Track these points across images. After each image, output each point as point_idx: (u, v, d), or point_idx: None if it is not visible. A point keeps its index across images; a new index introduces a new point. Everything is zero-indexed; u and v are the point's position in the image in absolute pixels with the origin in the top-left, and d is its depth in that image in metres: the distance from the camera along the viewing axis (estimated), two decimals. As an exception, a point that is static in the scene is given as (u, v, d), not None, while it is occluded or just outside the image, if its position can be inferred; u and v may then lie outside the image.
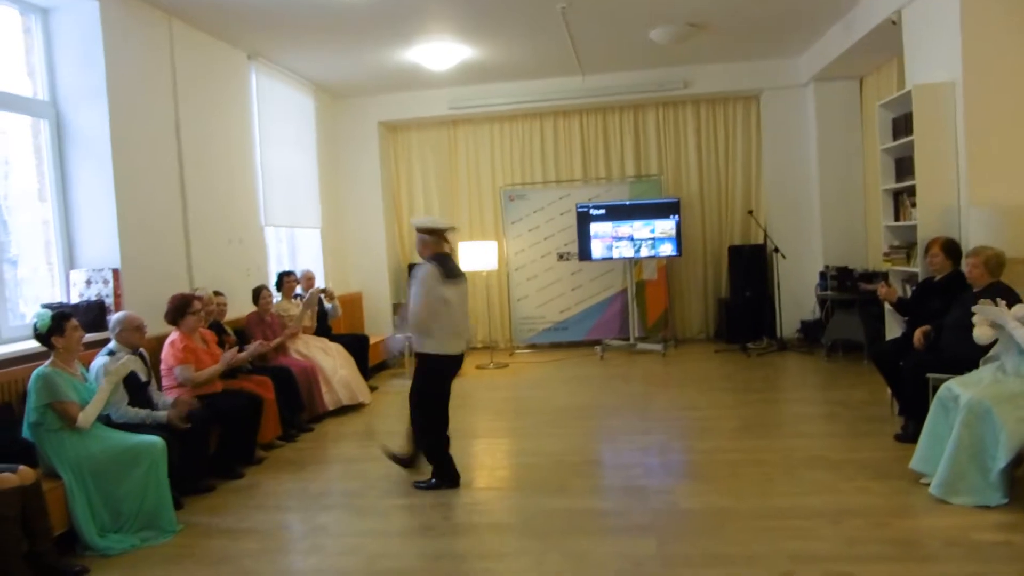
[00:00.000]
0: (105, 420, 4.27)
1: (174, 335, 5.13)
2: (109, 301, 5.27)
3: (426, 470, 4.74)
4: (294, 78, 8.40)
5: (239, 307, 6.48)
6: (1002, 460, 3.72)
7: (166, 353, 5.10)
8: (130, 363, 4.34)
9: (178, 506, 4.32)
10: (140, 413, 4.48)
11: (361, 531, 4.03)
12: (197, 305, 5.28)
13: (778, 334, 8.85)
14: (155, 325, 5.14)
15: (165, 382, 5.09)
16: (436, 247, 4.70)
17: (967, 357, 4.39)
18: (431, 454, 4.68)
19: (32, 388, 3.94)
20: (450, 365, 4.66)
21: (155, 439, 4.14)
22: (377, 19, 6.66)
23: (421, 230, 4.76)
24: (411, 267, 8.73)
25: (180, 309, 5.16)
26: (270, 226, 7.73)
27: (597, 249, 9.07)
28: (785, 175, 9.31)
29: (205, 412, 4.78)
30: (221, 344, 5.61)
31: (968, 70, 5.39)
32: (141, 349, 4.77)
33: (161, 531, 4.04)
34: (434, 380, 4.64)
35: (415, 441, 4.85)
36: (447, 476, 4.63)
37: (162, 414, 4.54)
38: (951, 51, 5.50)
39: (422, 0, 6.30)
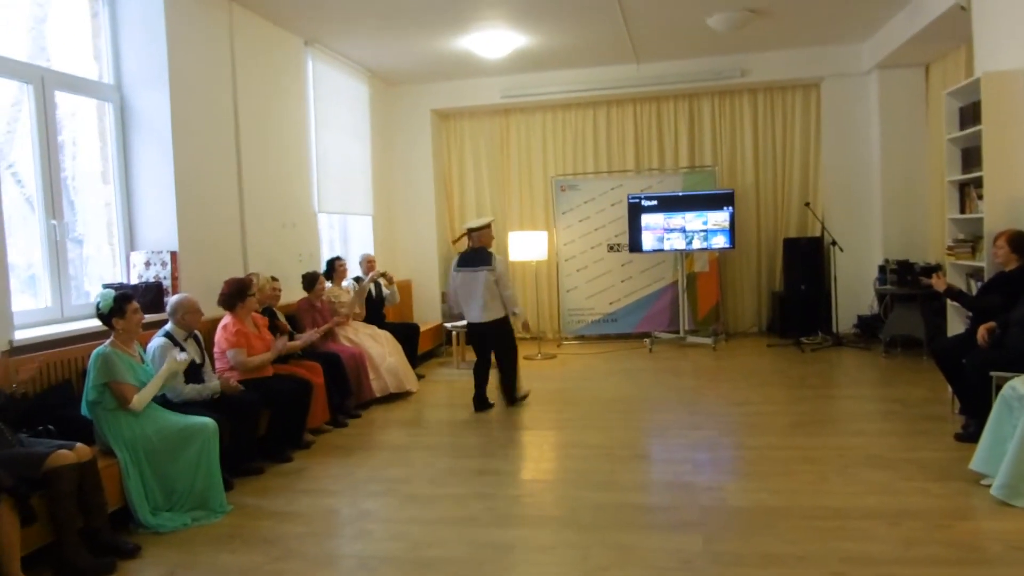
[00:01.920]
0: (161, 400, 4.36)
1: (227, 319, 5.22)
2: (167, 283, 5.38)
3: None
4: (349, 64, 8.46)
5: (289, 293, 6.56)
6: (1070, 463, 3.57)
7: (219, 336, 5.19)
8: (189, 359, 4.45)
9: (228, 487, 4.39)
10: (196, 387, 4.59)
11: (407, 518, 4.04)
12: (253, 290, 5.36)
13: (834, 329, 8.64)
14: (209, 307, 5.23)
15: (218, 364, 5.18)
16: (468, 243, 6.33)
17: (1035, 356, 4.22)
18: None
19: (91, 367, 4.03)
20: (471, 329, 6.44)
21: (207, 420, 4.21)
22: (432, 6, 6.66)
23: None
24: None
25: (237, 294, 5.24)
26: (323, 212, 7.80)
27: (648, 241, 8.96)
28: (845, 166, 9.07)
29: (255, 395, 4.85)
30: (273, 329, 5.68)
31: (1041, 57, 5.17)
32: (196, 331, 4.86)
33: (211, 511, 4.11)
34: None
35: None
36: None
37: (214, 384, 4.66)
38: (1022, 37, 5.27)
39: (477, -15, 6.29)
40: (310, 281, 6.64)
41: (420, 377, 7.61)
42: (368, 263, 7.66)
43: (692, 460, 4.80)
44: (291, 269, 6.86)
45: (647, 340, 8.99)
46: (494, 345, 6.35)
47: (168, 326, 4.71)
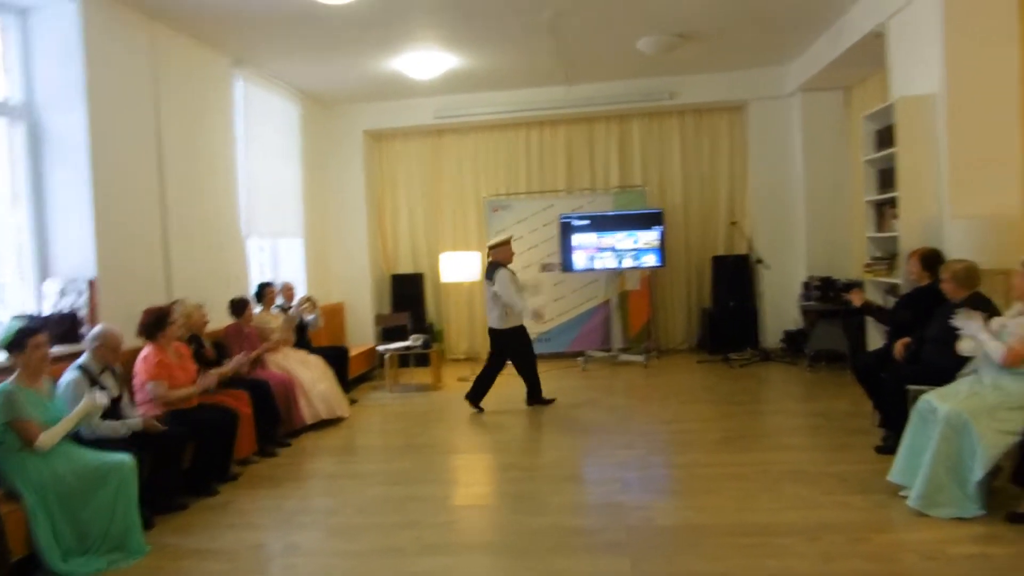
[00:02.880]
0: (74, 436, 4.16)
1: (147, 349, 5.05)
2: (83, 312, 5.18)
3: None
4: (279, 85, 8.35)
5: (217, 319, 6.41)
6: (979, 472, 3.71)
7: (139, 368, 5.01)
8: (108, 401, 4.27)
9: (148, 526, 4.22)
10: (114, 424, 4.39)
11: (335, 551, 3.95)
12: (174, 318, 5.20)
13: (761, 344, 8.83)
14: (131, 337, 5.06)
15: (138, 397, 5.00)
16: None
17: (947, 369, 4.37)
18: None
19: (-7, 405, 3.82)
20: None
21: (124, 457, 4.04)
22: (363, 27, 6.63)
23: None
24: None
25: (157, 323, 5.07)
26: (252, 236, 7.66)
27: (580, 260, 9.04)
28: (770, 185, 9.31)
29: (179, 428, 4.70)
30: (199, 357, 5.53)
31: (951, 83, 5.41)
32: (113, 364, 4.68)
33: (129, 553, 3.91)
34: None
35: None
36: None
37: (137, 420, 4.48)
38: (934, 64, 5.52)
39: (408, 8, 6.27)
40: (239, 307, 6.50)
41: (352, 402, 7.50)
42: (287, 291, 7.50)
43: (622, 480, 4.82)
44: (219, 295, 6.69)
45: (580, 359, 9.05)
46: (506, 352, 6.95)
47: (83, 358, 4.51)
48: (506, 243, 6.98)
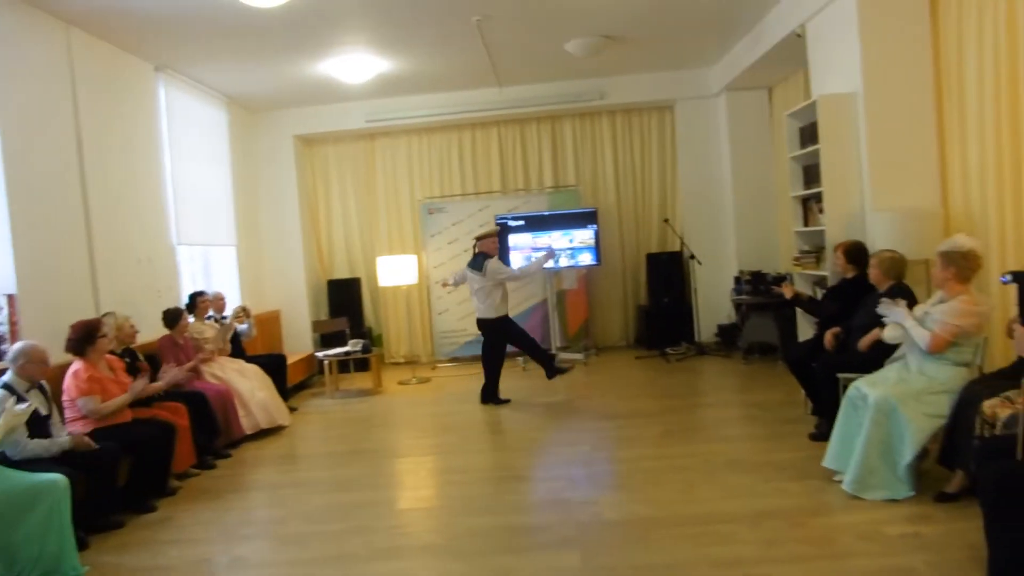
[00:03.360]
0: (2, 458, 4.00)
1: (77, 365, 4.87)
2: (3, 329, 4.98)
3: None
4: (206, 91, 8.16)
5: (149, 330, 6.23)
6: (908, 455, 3.88)
7: (68, 384, 4.83)
8: (31, 409, 4.09)
9: (83, 546, 4.07)
10: (43, 443, 4.23)
11: (283, 561, 3.90)
12: (104, 331, 5.04)
13: (696, 339, 9.02)
14: (58, 354, 4.88)
15: (68, 414, 4.82)
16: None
17: (875, 357, 4.55)
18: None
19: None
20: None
21: (57, 477, 3.87)
22: (290, 31, 6.53)
23: None
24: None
25: (86, 337, 4.89)
26: (182, 244, 7.47)
27: (516, 260, 9.08)
28: (700, 183, 9.52)
29: (113, 444, 4.55)
30: (133, 370, 5.38)
31: (868, 81, 5.63)
32: (42, 381, 4.51)
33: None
34: None
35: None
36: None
37: (66, 439, 4.33)
38: (852, 63, 5.73)
39: (336, 12, 6.21)
40: (172, 318, 6.32)
41: (292, 410, 7.39)
42: (218, 302, 7.32)
43: (568, 477, 4.88)
44: (149, 306, 6.51)
45: (520, 359, 9.09)
46: (490, 341, 7.15)
47: (8, 376, 4.32)
48: (493, 235, 7.24)
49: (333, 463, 5.72)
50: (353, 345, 8.26)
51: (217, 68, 7.54)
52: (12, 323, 5.02)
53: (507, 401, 7.10)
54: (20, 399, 4.23)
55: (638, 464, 4.97)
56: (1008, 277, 3.06)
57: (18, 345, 4.41)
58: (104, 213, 6.19)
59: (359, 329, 9.41)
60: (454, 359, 9.65)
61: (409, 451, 5.92)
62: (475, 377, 8.55)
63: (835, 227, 5.90)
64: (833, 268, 5.70)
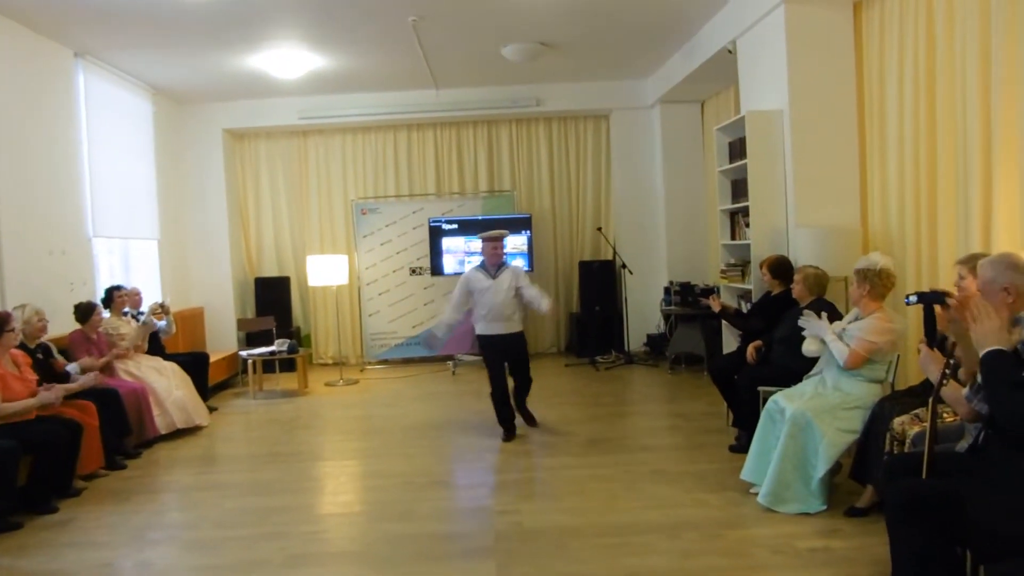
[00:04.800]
0: None
1: (-23, 358, 4.65)
2: (-102, 320, 4.71)
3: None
4: (129, 80, 7.88)
5: (62, 325, 5.97)
6: (822, 469, 3.95)
7: (-33, 378, 4.61)
8: None
9: (-24, 548, 3.90)
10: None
11: (190, 567, 3.77)
12: (12, 325, 4.81)
13: (626, 348, 9.10)
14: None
15: (-33, 409, 4.59)
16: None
17: (795, 370, 4.64)
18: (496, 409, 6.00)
19: None
20: (488, 342, 6.02)
21: (-51, 475, 3.71)
22: (219, 22, 6.35)
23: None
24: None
25: (-8, 330, 4.68)
26: (99, 237, 7.19)
27: (449, 264, 9.02)
28: (633, 193, 9.62)
29: (12, 442, 4.34)
30: (49, 368, 5.14)
31: (793, 99, 5.76)
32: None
33: (-45, 578, 3.62)
34: (484, 355, 6.14)
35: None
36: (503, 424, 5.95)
37: None
38: (779, 80, 5.86)
39: (268, 5, 6.06)
40: (85, 312, 6.06)
41: (212, 410, 7.18)
42: (133, 297, 7.03)
43: (489, 484, 4.86)
44: (62, 299, 6.25)
45: (450, 363, 9.04)
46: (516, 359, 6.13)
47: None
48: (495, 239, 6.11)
49: (252, 466, 5.56)
50: (279, 345, 8.08)
51: (142, 57, 7.29)
52: (-93, 314, 4.74)
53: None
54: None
55: (562, 472, 4.97)
56: (913, 298, 3.13)
57: None
58: (14, 203, 5.93)
59: (287, 328, 9.21)
60: (383, 361, 9.53)
61: (332, 455, 5.80)
62: (404, 380, 8.54)
63: (761, 241, 6.01)
64: (758, 282, 5.81)
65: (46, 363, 5.30)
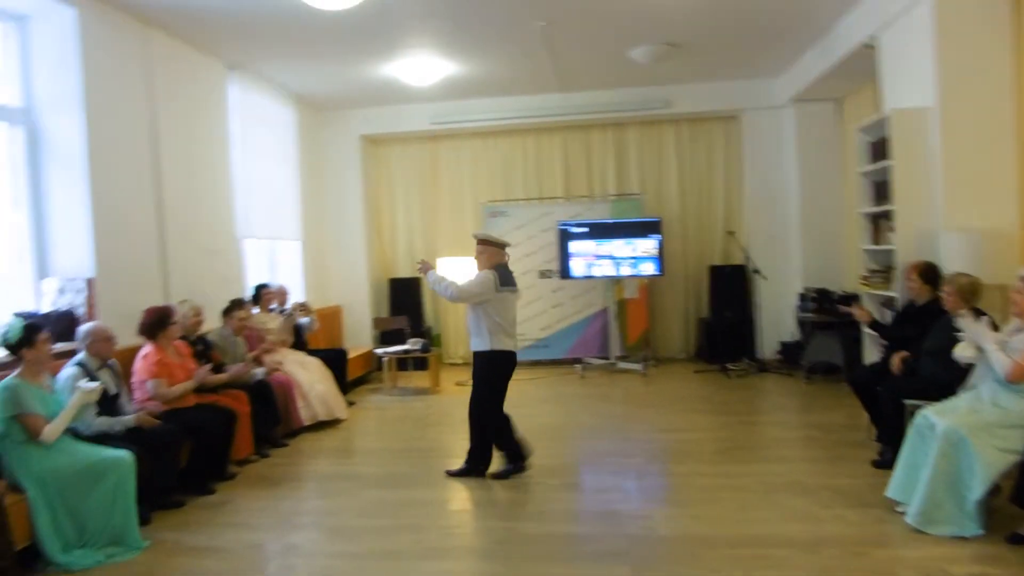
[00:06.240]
0: (73, 432, 4.18)
1: (147, 348, 5.06)
2: (81, 311, 5.18)
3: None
4: (275, 90, 8.35)
5: (215, 319, 6.40)
6: (978, 491, 3.71)
7: (139, 366, 5.02)
8: (101, 388, 4.30)
9: (146, 521, 4.25)
10: (109, 420, 4.42)
11: (333, 552, 3.97)
12: (176, 319, 5.22)
13: (758, 355, 8.86)
14: (128, 336, 5.08)
15: (136, 395, 5.01)
16: (497, 258, 5.30)
17: (944, 383, 4.39)
18: (496, 441, 5.28)
19: (-3, 400, 3.86)
20: (511, 360, 5.33)
21: (123, 454, 4.06)
22: (358, 33, 6.63)
23: (483, 240, 5.34)
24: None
25: (158, 323, 5.11)
26: (248, 238, 7.65)
27: (578, 267, 9.05)
28: (765, 196, 9.35)
29: (176, 426, 4.70)
30: (204, 357, 5.53)
31: (944, 96, 5.44)
32: (112, 360, 4.69)
33: (127, 548, 3.96)
34: (495, 375, 5.31)
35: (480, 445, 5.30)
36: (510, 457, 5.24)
37: (130, 418, 4.51)
38: (926, 77, 5.55)
39: (403, 15, 6.28)
40: (235, 308, 6.48)
41: (350, 404, 7.50)
42: (280, 295, 7.48)
43: (620, 488, 4.84)
44: (216, 295, 6.68)
45: (578, 366, 9.06)
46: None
47: (81, 355, 4.55)
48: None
49: (387, 459, 5.79)
50: (412, 344, 8.34)
51: (287, 68, 7.71)
52: (90, 305, 5.21)
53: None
54: (92, 377, 4.43)
55: (693, 480, 4.90)
56: None
57: (85, 326, 4.67)
58: (176, 205, 6.39)
59: (419, 328, 9.49)
60: (510, 362, 9.64)
61: (462, 452, 5.87)
62: (532, 382, 8.61)
63: (905, 246, 5.71)
64: (905, 289, 5.52)
65: (205, 355, 5.69)
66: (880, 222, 6.33)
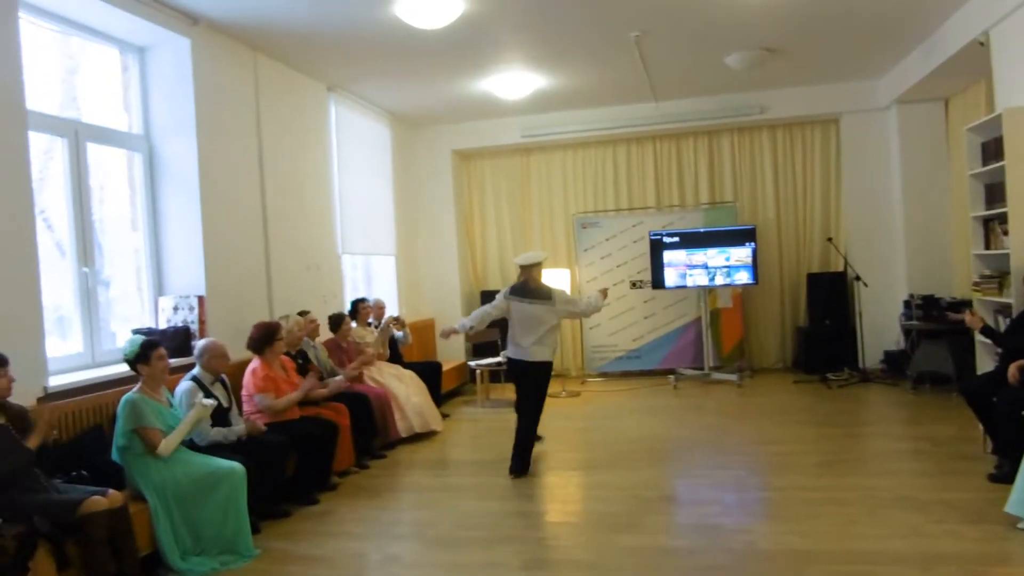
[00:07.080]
0: (188, 443, 4.40)
1: (255, 363, 5.28)
2: (194, 327, 5.46)
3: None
4: (371, 108, 8.61)
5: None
6: (1106, 506, 3.50)
7: (247, 381, 5.25)
8: (214, 404, 4.52)
9: (255, 530, 4.41)
10: (222, 430, 4.62)
11: (433, 563, 4.04)
12: (281, 335, 5.43)
13: (860, 365, 8.56)
14: (236, 350, 5.31)
15: (245, 407, 5.24)
16: (524, 274, 5.83)
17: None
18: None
19: (120, 413, 4.12)
20: (513, 366, 5.82)
21: (235, 465, 4.25)
22: (451, 50, 6.77)
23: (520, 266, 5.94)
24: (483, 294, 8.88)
25: (266, 338, 5.32)
26: (347, 253, 7.90)
27: (671, 277, 8.96)
28: (866, 201, 9.04)
29: (282, 438, 4.89)
30: (303, 370, 5.74)
31: (1064, 92, 5.17)
32: (223, 375, 4.92)
33: (239, 556, 4.13)
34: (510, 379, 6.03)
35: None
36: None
37: (240, 428, 4.71)
38: (1045, 73, 5.28)
39: (495, 31, 6.38)
40: (336, 322, 6.72)
41: (445, 416, 7.62)
42: (378, 309, 7.69)
43: (719, 501, 4.76)
44: (316, 311, 6.90)
45: (671, 377, 8.95)
46: (542, 387, 5.79)
47: (196, 370, 4.78)
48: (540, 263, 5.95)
49: (482, 471, 5.84)
50: (505, 356, 8.39)
51: (382, 86, 7.94)
52: (201, 322, 5.48)
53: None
54: (207, 391, 4.65)
55: (794, 494, 4.77)
56: None
57: (202, 342, 4.88)
58: (279, 223, 6.66)
59: (510, 340, 9.55)
60: (603, 374, 9.63)
61: (557, 464, 5.95)
62: (625, 393, 8.56)
63: (1022, 250, 5.43)
64: (1022, 295, 5.25)
65: (304, 367, 5.90)
66: (992, 225, 6.05)
